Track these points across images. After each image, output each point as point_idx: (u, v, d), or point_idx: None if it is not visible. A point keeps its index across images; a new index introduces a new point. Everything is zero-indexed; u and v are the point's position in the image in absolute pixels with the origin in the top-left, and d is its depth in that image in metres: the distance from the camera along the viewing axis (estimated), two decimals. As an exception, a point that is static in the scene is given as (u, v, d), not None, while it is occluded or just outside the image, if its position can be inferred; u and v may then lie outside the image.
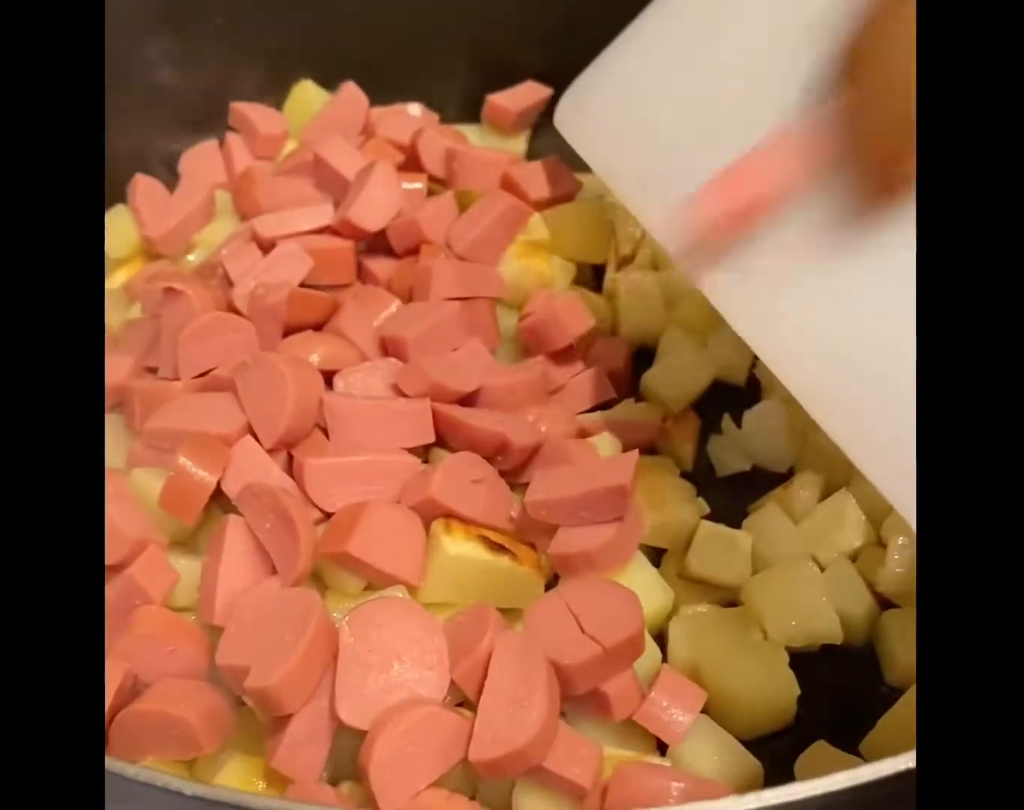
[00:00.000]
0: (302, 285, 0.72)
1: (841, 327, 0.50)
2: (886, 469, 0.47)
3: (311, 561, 0.57)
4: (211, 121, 0.91)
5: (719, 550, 0.64)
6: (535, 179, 0.83)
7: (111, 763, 0.34)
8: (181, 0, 0.86)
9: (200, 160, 0.89)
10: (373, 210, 0.77)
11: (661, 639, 0.61)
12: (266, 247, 0.75)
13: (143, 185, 0.86)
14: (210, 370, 0.67)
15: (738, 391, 0.76)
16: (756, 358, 0.77)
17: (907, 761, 0.37)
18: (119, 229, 0.83)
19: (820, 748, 0.55)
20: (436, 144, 0.86)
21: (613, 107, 0.68)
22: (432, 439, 0.64)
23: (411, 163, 0.86)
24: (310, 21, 0.92)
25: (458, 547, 0.59)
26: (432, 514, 0.60)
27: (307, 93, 0.94)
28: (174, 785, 0.34)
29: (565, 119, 0.73)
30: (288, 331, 0.70)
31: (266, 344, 0.68)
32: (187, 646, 0.56)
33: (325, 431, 0.63)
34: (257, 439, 0.61)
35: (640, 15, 0.69)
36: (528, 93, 0.94)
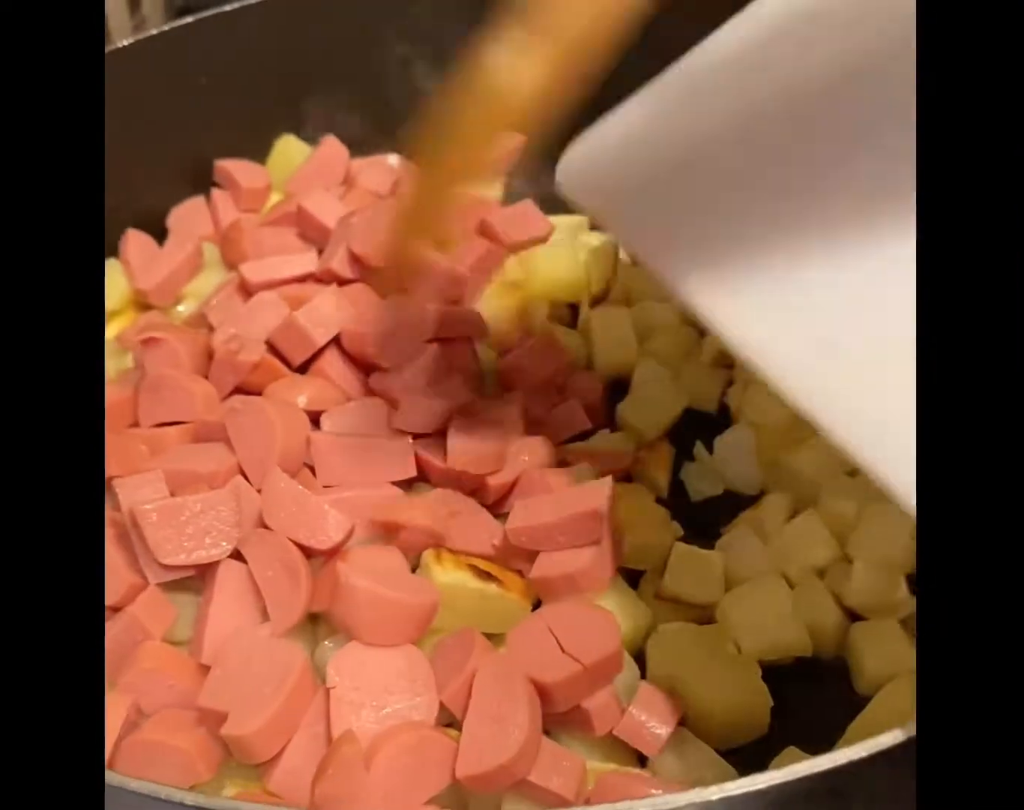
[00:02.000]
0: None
1: (835, 317, 0.48)
2: (885, 456, 0.45)
3: (305, 614, 0.59)
4: (198, 178, 0.94)
5: (693, 570, 0.66)
6: (510, 223, 0.85)
7: (111, 776, 0.37)
8: (167, 63, 0.90)
9: (188, 215, 0.92)
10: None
11: (641, 657, 0.63)
12: (252, 292, 0.78)
13: (134, 239, 0.89)
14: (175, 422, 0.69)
15: (710, 418, 0.79)
16: (727, 385, 0.80)
17: (860, 751, 0.40)
18: (111, 282, 0.85)
19: (790, 754, 0.57)
20: (415, 193, 0.89)
21: (624, 164, 0.59)
22: (414, 474, 0.67)
23: (391, 211, 0.89)
24: (292, 78, 0.96)
25: (448, 576, 0.61)
26: (420, 547, 0.63)
27: (289, 147, 0.97)
28: (176, 797, 0.36)
29: (569, 177, 0.63)
30: (240, 388, 0.72)
31: (220, 393, 0.71)
32: (185, 679, 0.58)
33: (312, 469, 0.66)
34: (248, 480, 0.64)
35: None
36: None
